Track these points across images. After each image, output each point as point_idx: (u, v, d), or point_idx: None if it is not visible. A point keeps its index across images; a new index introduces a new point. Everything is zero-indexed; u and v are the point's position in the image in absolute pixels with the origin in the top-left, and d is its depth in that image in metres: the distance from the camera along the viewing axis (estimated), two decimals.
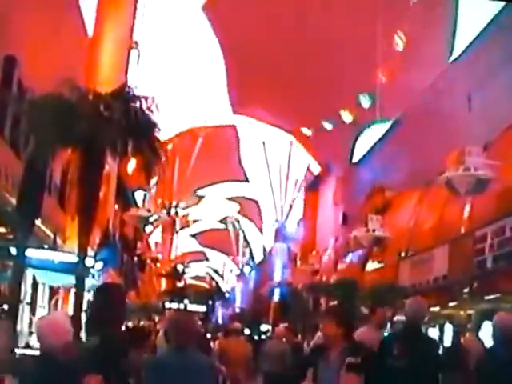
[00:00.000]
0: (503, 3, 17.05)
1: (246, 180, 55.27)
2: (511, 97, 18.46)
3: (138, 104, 11.33)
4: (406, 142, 26.83)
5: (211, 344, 15.18)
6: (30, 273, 15.50)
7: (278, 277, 52.59)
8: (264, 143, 51.04)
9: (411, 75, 26.07)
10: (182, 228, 61.67)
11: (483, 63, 20.48)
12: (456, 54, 22.28)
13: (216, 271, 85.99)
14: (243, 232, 69.89)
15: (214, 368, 4.30)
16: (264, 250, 60.72)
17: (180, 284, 50.66)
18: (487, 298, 15.67)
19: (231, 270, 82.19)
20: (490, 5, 19.15)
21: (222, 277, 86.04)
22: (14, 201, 12.00)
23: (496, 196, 15.87)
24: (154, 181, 20.40)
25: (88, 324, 4.88)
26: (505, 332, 6.02)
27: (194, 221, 65.28)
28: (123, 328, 5.12)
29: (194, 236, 70.34)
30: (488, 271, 15.69)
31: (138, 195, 31.23)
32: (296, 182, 51.80)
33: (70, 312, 12.11)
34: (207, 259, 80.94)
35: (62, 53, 16.30)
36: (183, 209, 57.41)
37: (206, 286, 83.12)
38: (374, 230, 20.00)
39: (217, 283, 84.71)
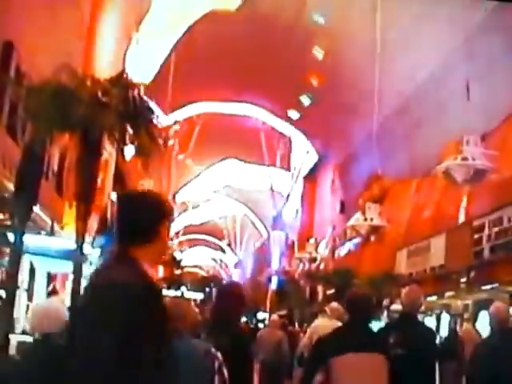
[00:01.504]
0: None
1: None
2: (510, 87, 18.44)
3: (136, 90, 11.29)
4: (404, 132, 26.81)
5: None
6: (27, 259, 15.48)
7: (275, 265, 52.59)
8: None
9: (410, 64, 25.98)
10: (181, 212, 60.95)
11: (482, 53, 20.43)
12: (455, 43, 22.15)
13: (214, 259, 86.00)
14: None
15: (210, 354, 4.29)
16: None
17: (177, 271, 50.58)
18: (484, 287, 15.72)
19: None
20: None
21: (221, 264, 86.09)
22: (11, 187, 11.97)
23: (494, 186, 15.89)
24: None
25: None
26: (500, 322, 6.04)
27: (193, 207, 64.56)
28: None
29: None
30: (485, 261, 15.73)
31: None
32: (294, 169, 51.52)
33: (68, 299, 12.11)
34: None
35: (60, 39, 16.22)
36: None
37: (204, 273, 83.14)
38: (371, 219, 20.02)
39: (218, 271, 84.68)
